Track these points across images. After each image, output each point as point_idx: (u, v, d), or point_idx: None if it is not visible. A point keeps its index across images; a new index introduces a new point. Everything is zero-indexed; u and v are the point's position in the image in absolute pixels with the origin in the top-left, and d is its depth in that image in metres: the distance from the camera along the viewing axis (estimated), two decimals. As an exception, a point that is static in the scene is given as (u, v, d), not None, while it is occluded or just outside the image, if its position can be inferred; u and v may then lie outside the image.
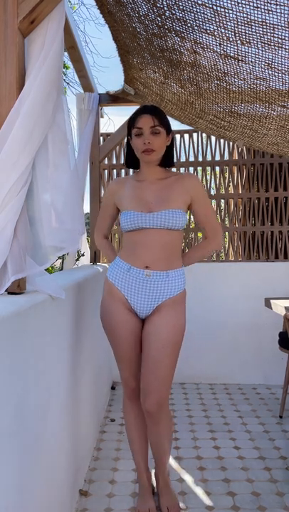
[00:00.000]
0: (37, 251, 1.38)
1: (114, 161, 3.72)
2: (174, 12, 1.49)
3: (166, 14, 1.53)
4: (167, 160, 1.82)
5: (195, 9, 1.40)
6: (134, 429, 1.87)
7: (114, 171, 3.73)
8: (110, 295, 1.79)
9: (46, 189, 1.37)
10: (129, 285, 1.74)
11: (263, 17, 1.30)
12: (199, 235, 3.80)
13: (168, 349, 1.69)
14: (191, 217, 3.72)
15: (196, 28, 1.53)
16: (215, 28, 1.47)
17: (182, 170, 3.66)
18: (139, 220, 1.70)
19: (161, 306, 1.72)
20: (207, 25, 1.47)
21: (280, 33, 1.37)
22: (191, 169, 3.67)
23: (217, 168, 3.66)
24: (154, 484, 1.94)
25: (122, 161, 3.72)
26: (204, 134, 3.63)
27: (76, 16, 5.26)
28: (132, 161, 1.86)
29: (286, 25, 1.32)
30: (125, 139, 3.61)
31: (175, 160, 1.97)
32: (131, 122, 1.75)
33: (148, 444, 1.87)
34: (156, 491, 1.92)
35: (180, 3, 1.41)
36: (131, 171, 3.71)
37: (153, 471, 1.95)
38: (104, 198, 1.96)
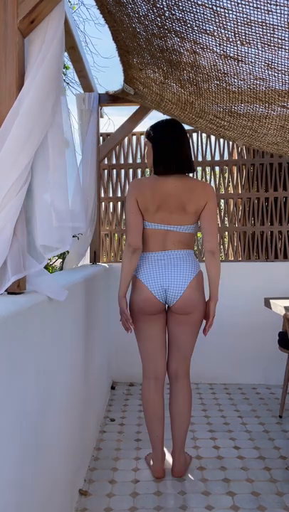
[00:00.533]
0: (36, 251, 1.38)
1: (114, 161, 3.72)
2: (173, 12, 1.49)
3: (166, 14, 1.53)
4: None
5: (195, 10, 1.40)
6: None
7: (114, 171, 3.73)
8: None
9: (46, 188, 1.37)
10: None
11: (263, 17, 1.30)
12: (199, 234, 3.80)
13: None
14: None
15: (195, 28, 1.53)
16: (215, 28, 1.47)
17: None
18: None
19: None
20: (207, 25, 1.47)
21: (279, 34, 1.37)
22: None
23: (217, 168, 3.66)
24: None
25: (122, 161, 3.72)
26: (204, 134, 3.63)
27: (76, 16, 5.26)
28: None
29: (286, 26, 1.32)
30: (125, 139, 3.63)
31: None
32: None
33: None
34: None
35: (180, 4, 1.41)
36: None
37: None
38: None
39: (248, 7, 1.26)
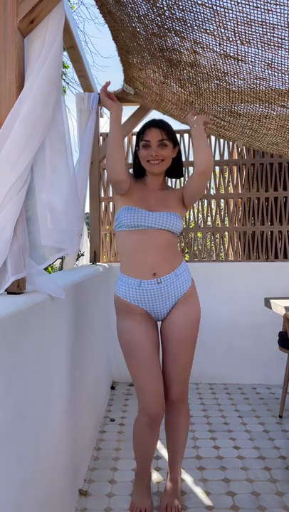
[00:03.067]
0: (36, 251, 1.38)
1: (114, 161, 3.72)
2: (173, 12, 1.49)
3: (166, 14, 1.53)
4: (175, 171, 1.90)
5: (195, 9, 1.40)
6: (148, 443, 1.83)
7: (114, 170, 3.72)
8: (127, 312, 1.77)
9: (44, 189, 1.37)
10: (144, 298, 1.75)
11: (263, 17, 1.29)
12: (199, 234, 3.80)
13: (186, 342, 1.78)
14: (191, 217, 3.72)
15: (195, 27, 1.53)
16: (215, 27, 1.47)
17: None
18: (142, 217, 1.73)
19: (177, 303, 1.79)
20: (207, 25, 1.47)
21: (279, 33, 1.37)
22: (191, 169, 3.66)
23: (217, 168, 3.65)
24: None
25: (122, 161, 3.71)
26: (204, 134, 3.63)
27: (76, 15, 5.26)
28: (139, 171, 1.91)
29: (286, 25, 1.32)
30: (125, 139, 3.63)
31: (182, 162, 1.97)
32: (139, 134, 1.82)
33: (154, 452, 1.88)
34: (156, 490, 1.91)
35: (180, 3, 1.41)
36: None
37: (153, 473, 1.95)
38: None
39: (248, 6, 1.26)
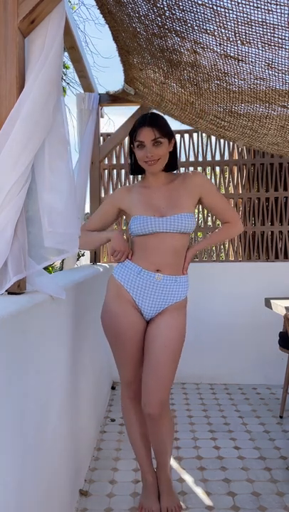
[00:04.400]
0: (36, 251, 1.38)
1: (114, 161, 3.72)
2: (174, 12, 1.49)
3: (167, 14, 1.53)
4: (170, 164, 1.82)
5: (195, 9, 1.40)
6: (136, 429, 1.86)
7: (115, 171, 3.73)
8: (118, 296, 1.77)
9: (44, 190, 1.37)
10: (139, 287, 1.74)
11: (263, 17, 1.29)
12: (199, 234, 3.80)
13: (169, 349, 1.70)
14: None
15: (196, 28, 1.53)
16: (215, 28, 1.47)
17: (182, 170, 3.65)
18: (152, 224, 1.70)
19: (166, 309, 1.75)
20: (207, 25, 1.47)
21: (280, 33, 1.37)
22: (191, 169, 3.66)
23: (217, 168, 3.66)
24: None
25: (122, 161, 3.72)
26: (204, 134, 3.63)
27: (76, 16, 5.26)
28: (137, 169, 1.86)
29: (286, 25, 1.31)
30: (125, 139, 3.63)
31: (177, 153, 1.96)
32: (132, 134, 1.76)
33: (150, 443, 1.86)
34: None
35: (180, 3, 1.41)
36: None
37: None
38: (105, 203, 1.94)
39: (248, 6, 1.26)
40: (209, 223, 3.65)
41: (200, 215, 3.69)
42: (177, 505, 1.82)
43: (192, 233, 3.60)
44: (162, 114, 1.93)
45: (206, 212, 3.64)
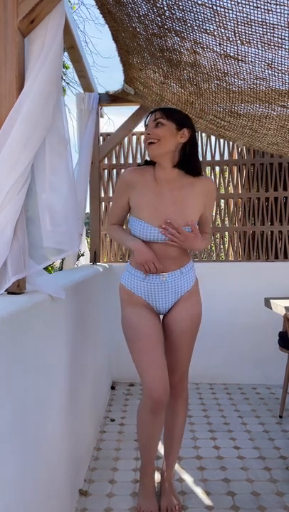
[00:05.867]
0: (36, 251, 1.38)
1: (114, 161, 3.72)
2: (173, 12, 1.49)
3: (166, 14, 1.53)
4: (188, 163, 1.69)
5: (195, 9, 1.40)
6: (150, 432, 1.76)
7: (114, 170, 3.73)
8: (131, 303, 1.78)
9: (43, 190, 1.37)
10: (149, 291, 1.76)
11: (263, 17, 1.29)
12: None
13: (187, 334, 1.80)
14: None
15: (196, 28, 1.53)
16: (215, 28, 1.47)
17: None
18: (155, 235, 1.68)
19: (179, 300, 1.80)
20: (207, 25, 1.47)
21: (280, 33, 1.37)
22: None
23: (217, 168, 3.65)
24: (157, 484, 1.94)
25: (122, 161, 3.72)
26: (204, 134, 3.63)
27: (76, 15, 5.26)
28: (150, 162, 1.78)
29: (286, 25, 1.32)
30: (125, 139, 3.63)
31: (197, 154, 1.78)
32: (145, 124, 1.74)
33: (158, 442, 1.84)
34: (157, 490, 1.92)
35: (180, 3, 1.41)
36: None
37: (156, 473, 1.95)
38: (118, 190, 1.81)
39: (248, 6, 1.26)
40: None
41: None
42: (178, 504, 1.82)
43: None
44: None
45: (205, 212, 3.64)
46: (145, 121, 1.72)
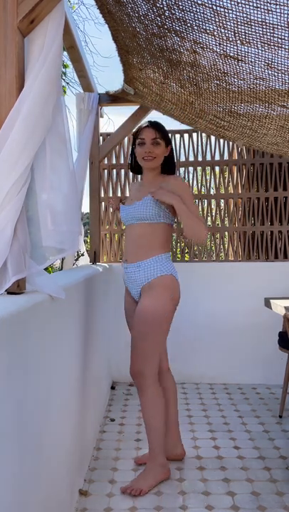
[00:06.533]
0: (36, 251, 1.38)
1: (114, 161, 3.72)
2: (173, 12, 1.49)
3: (166, 14, 1.53)
4: (168, 169, 2.12)
5: (195, 9, 1.40)
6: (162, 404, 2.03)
7: (114, 170, 3.73)
8: (125, 289, 2.16)
9: (44, 190, 1.37)
10: (124, 278, 2.11)
11: (263, 17, 1.29)
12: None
13: (140, 325, 1.96)
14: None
15: (195, 27, 1.53)
16: (215, 27, 1.47)
17: (182, 170, 3.65)
18: (124, 212, 2.05)
19: (141, 291, 2.02)
20: (207, 25, 1.47)
21: (279, 33, 1.37)
22: (191, 169, 3.67)
23: (217, 168, 3.65)
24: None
25: (122, 161, 3.72)
26: (204, 134, 3.63)
27: (76, 15, 5.26)
28: (136, 167, 2.16)
29: (286, 25, 1.32)
30: (125, 139, 3.63)
31: (175, 160, 2.22)
32: (136, 133, 2.06)
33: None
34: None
35: (180, 3, 1.41)
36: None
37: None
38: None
39: (248, 6, 1.26)
40: (209, 223, 3.65)
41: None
42: (139, 488, 1.91)
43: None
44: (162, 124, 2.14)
45: (205, 212, 3.64)
46: (140, 131, 2.03)
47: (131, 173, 3.70)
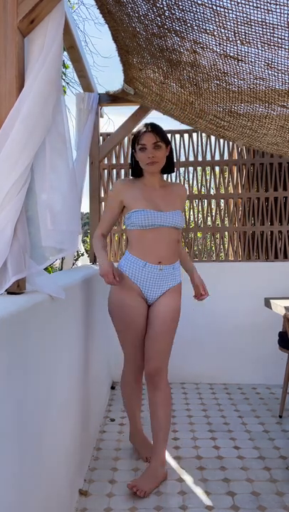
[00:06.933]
0: (36, 251, 1.38)
1: (114, 161, 3.72)
2: (173, 12, 1.49)
3: (166, 14, 1.53)
4: (168, 167, 2.15)
5: (195, 9, 1.40)
6: (133, 395, 2.22)
7: (114, 170, 3.73)
8: (124, 286, 2.05)
9: (44, 190, 1.37)
10: (145, 278, 2.03)
11: (263, 17, 1.29)
12: (199, 234, 3.80)
13: (167, 323, 2.04)
14: (191, 217, 3.72)
15: (195, 27, 1.53)
16: (215, 27, 1.47)
17: (182, 170, 3.65)
18: (154, 217, 1.99)
19: (165, 292, 2.07)
20: (207, 25, 1.47)
21: (279, 33, 1.37)
22: (191, 169, 3.66)
23: (217, 168, 3.65)
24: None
25: (122, 161, 3.72)
26: (204, 134, 3.63)
27: (76, 15, 5.26)
28: (137, 171, 2.16)
29: (286, 25, 1.32)
30: (125, 139, 3.63)
31: (174, 160, 2.31)
32: (135, 139, 2.06)
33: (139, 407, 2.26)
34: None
35: (180, 3, 1.41)
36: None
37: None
38: (110, 199, 2.17)
39: (248, 6, 1.26)
40: (209, 223, 3.65)
41: (200, 215, 3.69)
42: (143, 490, 1.90)
43: (192, 233, 3.63)
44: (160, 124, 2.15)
45: (205, 212, 3.64)
46: (139, 137, 2.03)
47: (131, 174, 3.69)
